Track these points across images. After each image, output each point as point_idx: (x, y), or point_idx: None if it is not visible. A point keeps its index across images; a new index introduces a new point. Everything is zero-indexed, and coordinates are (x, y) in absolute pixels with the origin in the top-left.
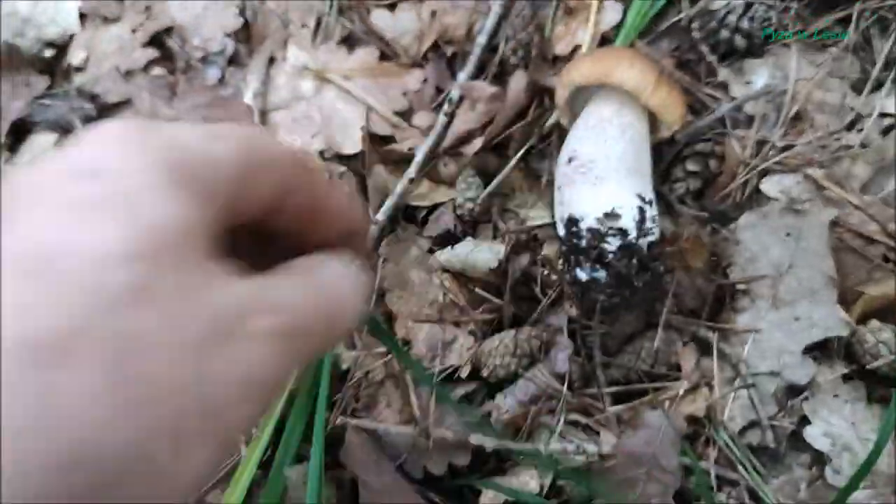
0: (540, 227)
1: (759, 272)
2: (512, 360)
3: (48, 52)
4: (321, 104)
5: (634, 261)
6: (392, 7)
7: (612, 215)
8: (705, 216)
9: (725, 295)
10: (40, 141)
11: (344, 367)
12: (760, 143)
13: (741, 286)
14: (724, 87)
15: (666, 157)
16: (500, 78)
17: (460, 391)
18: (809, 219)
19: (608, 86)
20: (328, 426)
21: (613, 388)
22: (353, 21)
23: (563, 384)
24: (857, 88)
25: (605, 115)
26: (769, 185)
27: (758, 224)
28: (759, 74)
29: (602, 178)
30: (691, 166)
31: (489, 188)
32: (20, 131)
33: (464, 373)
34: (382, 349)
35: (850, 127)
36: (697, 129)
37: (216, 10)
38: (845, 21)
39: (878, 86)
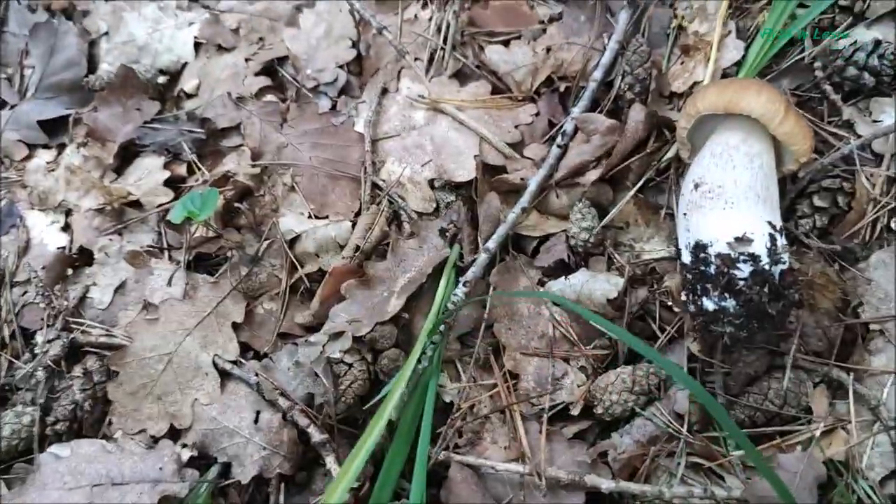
0: (657, 260)
1: (893, 312)
2: (630, 397)
3: (161, 79)
4: (433, 133)
5: (766, 289)
6: (506, 43)
7: (743, 240)
8: (838, 249)
9: (856, 335)
10: (147, 164)
11: (447, 399)
12: (891, 181)
13: (875, 326)
14: (848, 125)
15: (789, 193)
16: (614, 113)
17: (572, 429)
18: None
19: (734, 115)
20: (430, 461)
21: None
22: (465, 56)
23: (683, 425)
24: None
25: (732, 142)
26: None
27: (889, 262)
28: (888, 113)
29: (732, 203)
30: (819, 202)
31: (606, 219)
32: (128, 154)
33: (576, 410)
34: (489, 381)
35: None
36: (822, 167)
37: (330, 41)
38: None
39: None
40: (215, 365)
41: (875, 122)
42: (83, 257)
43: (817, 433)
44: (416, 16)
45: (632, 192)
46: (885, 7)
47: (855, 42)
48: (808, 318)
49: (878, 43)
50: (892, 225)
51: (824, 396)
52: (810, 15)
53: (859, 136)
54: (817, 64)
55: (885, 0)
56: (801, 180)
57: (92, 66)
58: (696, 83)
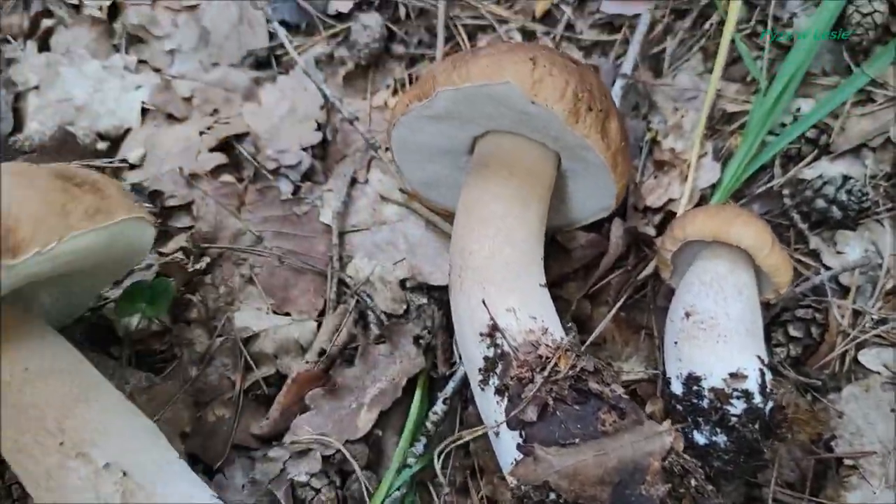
0: (637, 381)
1: (865, 447)
2: None
3: (101, 145)
4: (406, 231)
5: (757, 425)
6: None
7: (737, 376)
8: (818, 384)
9: (827, 468)
10: None
11: None
12: (856, 314)
13: (849, 461)
14: (814, 254)
15: (763, 319)
16: (591, 226)
17: None
18: None
19: (721, 242)
20: None
21: None
22: None
23: None
24: None
25: (721, 271)
26: (868, 358)
27: (861, 397)
28: (852, 246)
29: (726, 336)
30: (793, 332)
31: (591, 337)
32: None
33: None
34: None
35: None
36: (795, 295)
37: (293, 121)
38: None
39: None
40: None
41: (839, 252)
42: None
43: None
44: (385, 102)
45: (614, 310)
46: (847, 144)
47: (821, 175)
48: (782, 448)
49: (846, 178)
50: (860, 358)
51: None
52: (779, 144)
53: (826, 266)
54: (786, 192)
55: (847, 136)
56: (774, 307)
57: (17, 123)
58: (671, 200)
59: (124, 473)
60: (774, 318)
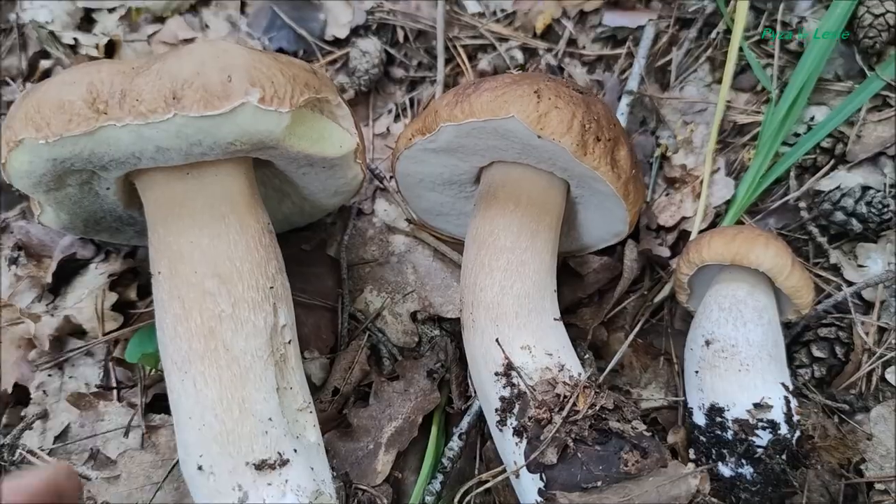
0: (657, 409)
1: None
2: None
3: None
4: (415, 262)
5: (784, 456)
6: None
7: (762, 406)
8: (846, 409)
9: (856, 491)
10: (90, 282)
11: None
12: (881, 331)
13: (880, 486)
14: (835, 269)
15: (784, 339)
16: (603, 250)
17: None
18: None
19: (739, 266)
20: None
21: None
22: None
23: None
24: None
25: (739, 296)
26: None
27: (889, 417)
28: (874, 259)
29: (748, 365)
30: (817, 352)
31: (610, 366)
32: (64, 272)
33: None
34: None
35: None
36: (816, 313)
37: None
38: None
39: None
40: None
41: (861, 266)
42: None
43: None
44: (388, 129)
45: (631, 336)
46: (864, 152)
47: (839, 186)
48: (811, 473)
49: (865, 189)
50: (887, 376)
51: None
52: (793, 156)
53: (848, 282)
54: (802, 205)
55: (864, 144)
56: (795, 326)
57: None
58: (684, 218)
59: (289, 342)
60: (796, 338)
